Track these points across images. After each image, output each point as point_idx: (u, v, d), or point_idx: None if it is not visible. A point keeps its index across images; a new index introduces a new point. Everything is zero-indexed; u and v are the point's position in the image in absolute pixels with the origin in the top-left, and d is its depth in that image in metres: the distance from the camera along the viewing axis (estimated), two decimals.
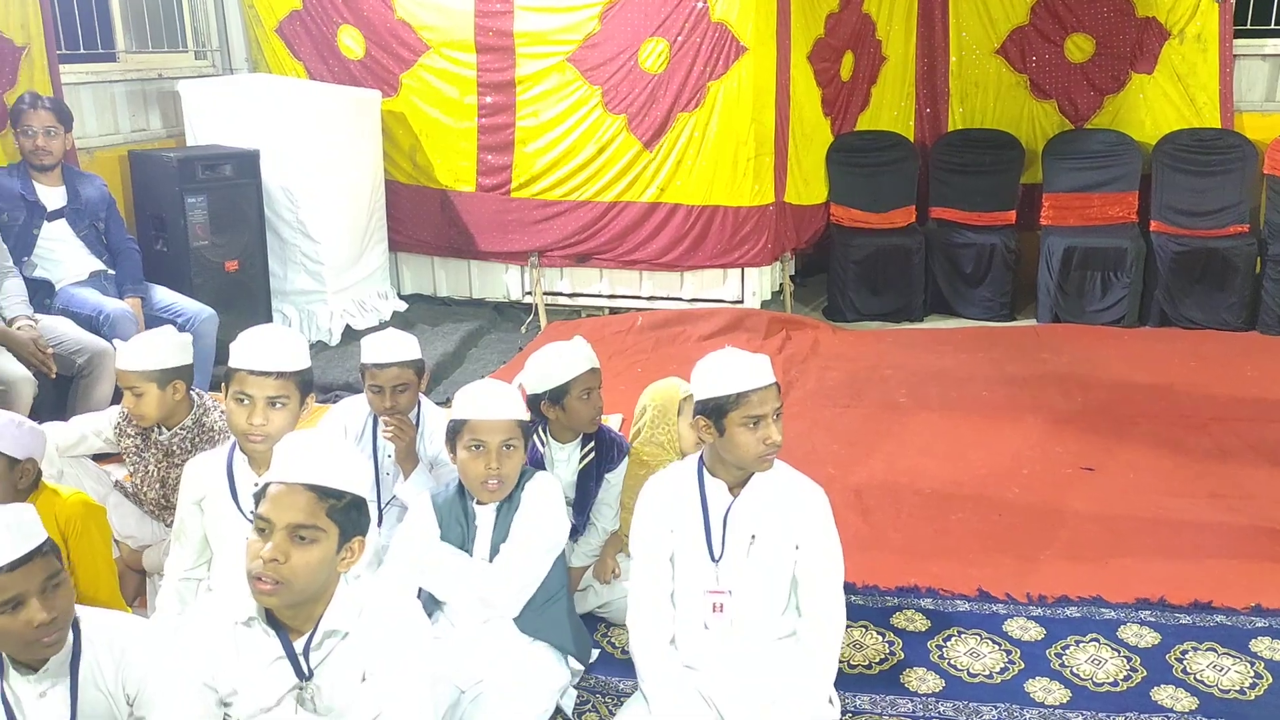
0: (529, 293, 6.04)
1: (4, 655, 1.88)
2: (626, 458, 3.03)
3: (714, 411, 2.24)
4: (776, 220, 5.73)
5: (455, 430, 2.40)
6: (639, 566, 2.39)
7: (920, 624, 2.92)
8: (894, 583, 3.11)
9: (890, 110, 6.49)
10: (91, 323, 3.97)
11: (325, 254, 5.35)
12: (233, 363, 2.47)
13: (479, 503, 2.46)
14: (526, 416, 2.44)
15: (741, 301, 5.84)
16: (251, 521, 1.79)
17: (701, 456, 2.38)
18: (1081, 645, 2.79)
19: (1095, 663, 2.71)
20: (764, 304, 5.92)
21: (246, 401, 2.42)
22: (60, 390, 3.79)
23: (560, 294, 6.07)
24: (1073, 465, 3.94)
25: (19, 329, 3.66)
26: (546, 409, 2.92)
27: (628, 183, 5.71)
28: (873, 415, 4.50)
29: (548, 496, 2.49)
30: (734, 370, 2.25)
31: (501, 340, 5.69)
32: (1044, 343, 5.47)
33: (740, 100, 5.46)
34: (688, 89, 5.51)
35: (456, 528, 2.46)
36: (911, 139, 6.47)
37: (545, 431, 3.01)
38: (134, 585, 2.98)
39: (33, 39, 4.31)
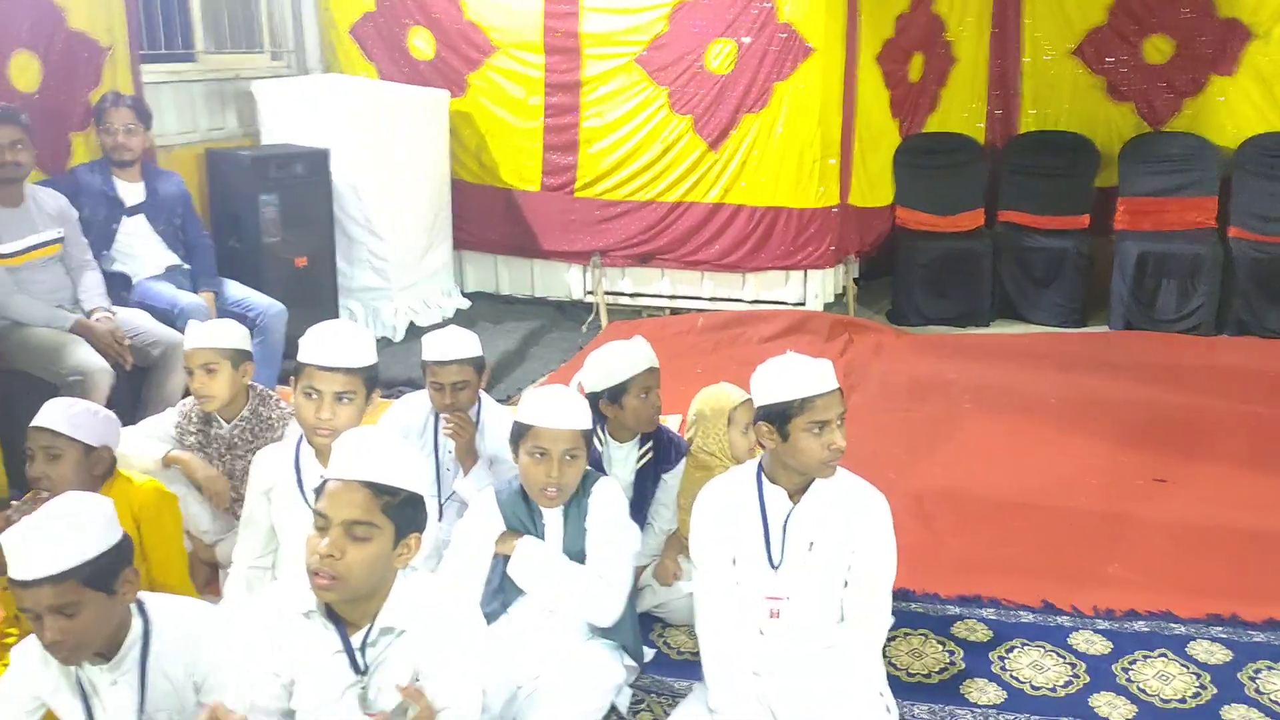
0: (590, 292, 6.06)
1: None
2: (684, 458, 3.02)
3: (777, 417, 2.22)
4: (841, 222, 5.68)
5: (519, 434, 2.41)
6: (704, 575, 2.37)
7: (982, 634, 2.87)
8: (955, 591, 3.06)
9: (960, 112, 6.39)
10: (166, 316, 4.08)
11: (391, 251, 5.43)
12: (302, 357, 2.51)
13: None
14: (590, 425, 2.44)
15: (804, 304, 5.80)
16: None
17: (760, 462, 2.36)
18: (1149, 660, 2.71)
19: (1163, 679, 2.63)
20: (826, 307, 5.87)
21: (315, 396, 2.46)
22: (135, 381, 3.90)
23: (621, 293, 6.09)
24: (1144, 476, 3.83)
25: (97, 321, 3.77)
26: (605, 408, 2.93)
27: (692, 183, 5.70)
28: (935, 421, 4.43)
29: (619, 504, 2.50)
30: (798, 375, 2.24)
31: (562, 339, 5.72)
32: (1116, 350, 5.33)
33: (806, 102, 5.42)
34: (754, 90, 5.48)
35: (521, 526, 2.47)
36: (981, 141, 6.36)
37: (603, 430, 3.02)
38: (204, 575, 3.05)
39: (117, 40, 4.44)
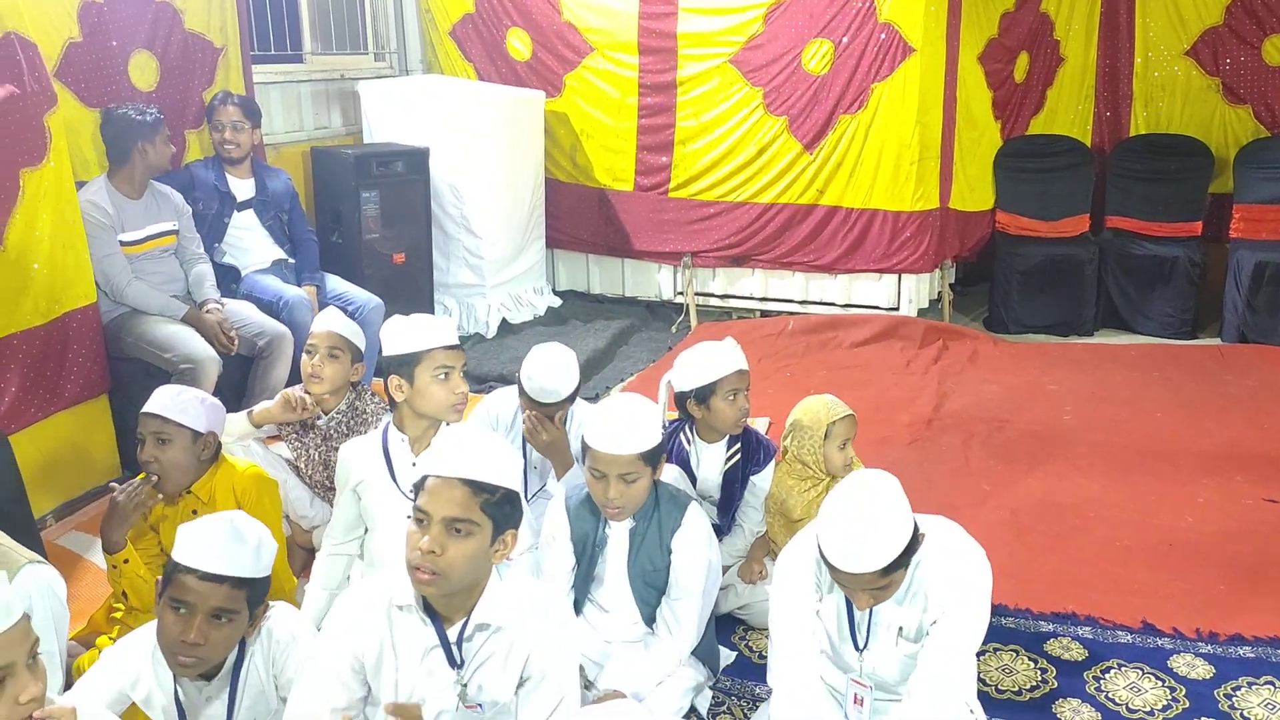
0: (681, 292, 6.07)
1: None
2: (773, 461, 3.00)
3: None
4: (938, 226, 5.56)
5: (583, 451, 2.41)
6: (782, 653, 2.19)
7: (1076, 653, 2.77)
8: (1049, 608, 2.97)
9: (1066, 113, 6.19)
10: (272, 308, 4.22)
11: (486, 249, 5.52)
12: (428, 344, 2.57)
13: None
14: (652, 444, 2.34)
15: (897, 309, 5.70)
16: (412, 500, 1.85)
17: None
18: (1255, 688, 2.58)
19: (1269, 707, 2.51)
20: (921, 312, 5.75)
21: (447, 376, 2.55)
22: (241, 371, 4.04)
23: (712, 294, 6.07)
24: (1254, 497, 3.65)
25: (208, 312, 3.93)
26: (692, 408, 2.93)
27: (786, 185, 5.66)
28: (1033, 432, 4.30)
29: (705, 544, 2.45)
30: None
31: (652, 339, 5.73)
32: (1229, 364, 5.10)
33: (905, 102, 5.32)
34: (851, 91, 5.41)
35: (585, 536, 2.47)
36: (1088, 144, 6.15)
37: (691, 430, 3.01)
38: (301, 559, 3.15)
39: (230, 41, 4.62)
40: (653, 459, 2.36)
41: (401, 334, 2.59)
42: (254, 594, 1.94)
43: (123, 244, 3.85)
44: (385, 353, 2.61)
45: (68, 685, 2.20)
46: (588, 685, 2.42)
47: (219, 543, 1.90)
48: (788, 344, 5.41)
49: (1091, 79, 6.14)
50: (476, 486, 1.79)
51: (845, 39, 5.35)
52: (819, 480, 2.89)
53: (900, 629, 2.12)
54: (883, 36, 5.28)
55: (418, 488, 1.83)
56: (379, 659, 1.89)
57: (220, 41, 4.56)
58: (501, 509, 1.82)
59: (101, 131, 3.89)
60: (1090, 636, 2.84)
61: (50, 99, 3.52)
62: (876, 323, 5.53)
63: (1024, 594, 3.02)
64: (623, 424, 2.33)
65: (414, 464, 2.55)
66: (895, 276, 5.67)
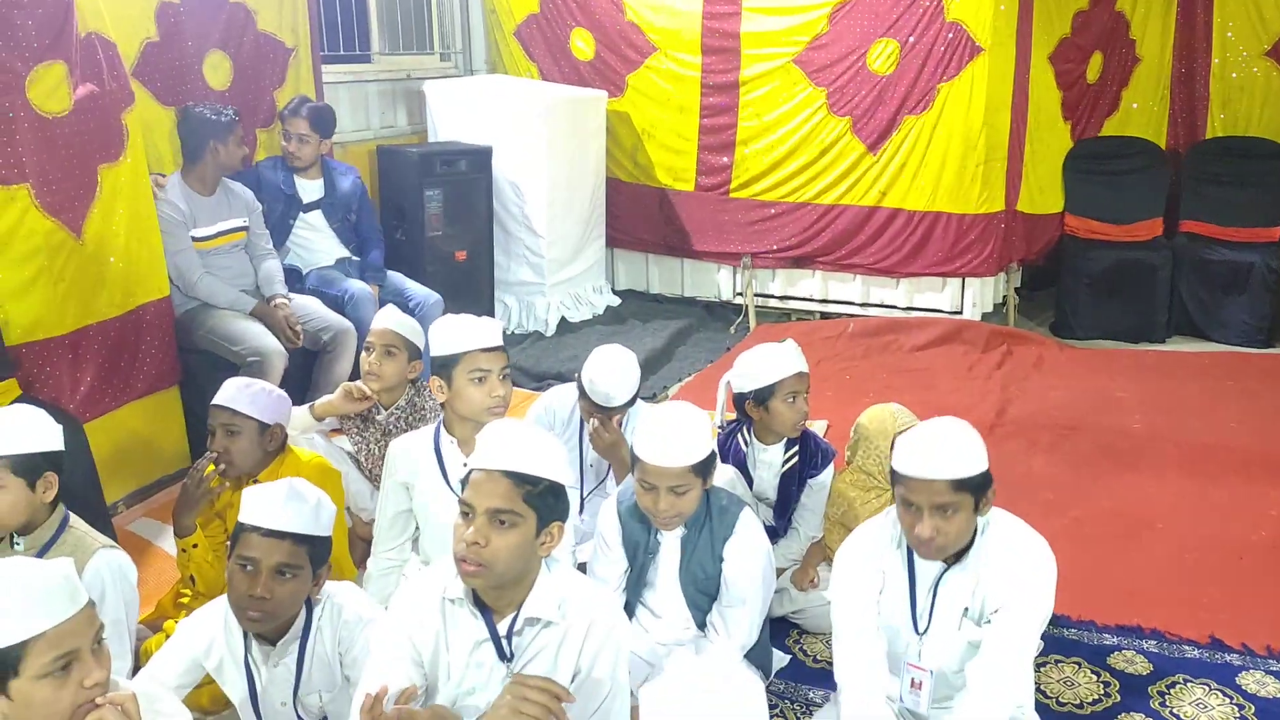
0: (740, 293, 6.04)
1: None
2: (831, 465, 2.97)
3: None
4: (1004, 229, 5.46)
5: (632, 461, 2.39)
6: (847, 643, 2.15)
7: (1141, 667, 2.70)
8: (1113, 620, 2.90)
9: (1141, 115, 6.03)
10: (337, 303, 4.30)
11: (546, 247, 5.56)
12: (466, 346, 2.55)
13: None
14: (702, 456, 2.30)
15: (960, 312, 5.61)
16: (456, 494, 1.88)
17: None
18: None
19: None
20: (985, 316, 5.66)
21: (483, 379, 2.53)
22: (306, 365, 4.12)
23: (771, 296, 6.04)
24: None
25: (275, 307, 4.02)
26: (750, 409, 2.91)
27: (848, 186, 5.61)
28: (1099, 440, 4.20)
29: (760, 552, 2.41)
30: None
31: (710, 339, 5.72)
32: None
33: (972, 103, 5.24)
34: (916, 91, 5.34)
35: (637, 542, 2.47)
36: (1163, 146, 5.99)
37: (749, 431, 3.00)
38: (361, 551, 3.19)
39: (300, 42, 4.71)
40: (703, 470, 2.33)
41: (443, 335, 2.60)
42: (315, 552, 2.03)
43: (195, 239, 3.94)
44: (431, 353, 2.63)
45: (136, 668, 2.26)
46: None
47: (280, 502, 2.01)
48: (847, 346, 5.36)
49: (1167, 80, 5.98)
50: (519, 478, 1.81)
51: (911, 38, 5.28)
52: (884, 490, 2.85)
53: (965, 609, 2.07)
54: (950, 35, 5.20)
55: (464, 482, 1.86)
56: (434, 652, 1.91)
57: (291, 42, 4.65)
58: (545, 500, 1.83)
59: (178, 129, 4.00)
60: (1155, 650, 2.77)
61: (128, 97, 3.63)
62: (938, 326, 5.45)
63: (1087, 605, 2.95)
64: (672, 436, 2.29)
65: (465, 464, 2.57)
66: (959, 280, 5.59)
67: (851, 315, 5.78)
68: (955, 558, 2.07)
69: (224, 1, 4.27)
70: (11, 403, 2.90)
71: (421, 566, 2.68)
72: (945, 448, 2.00)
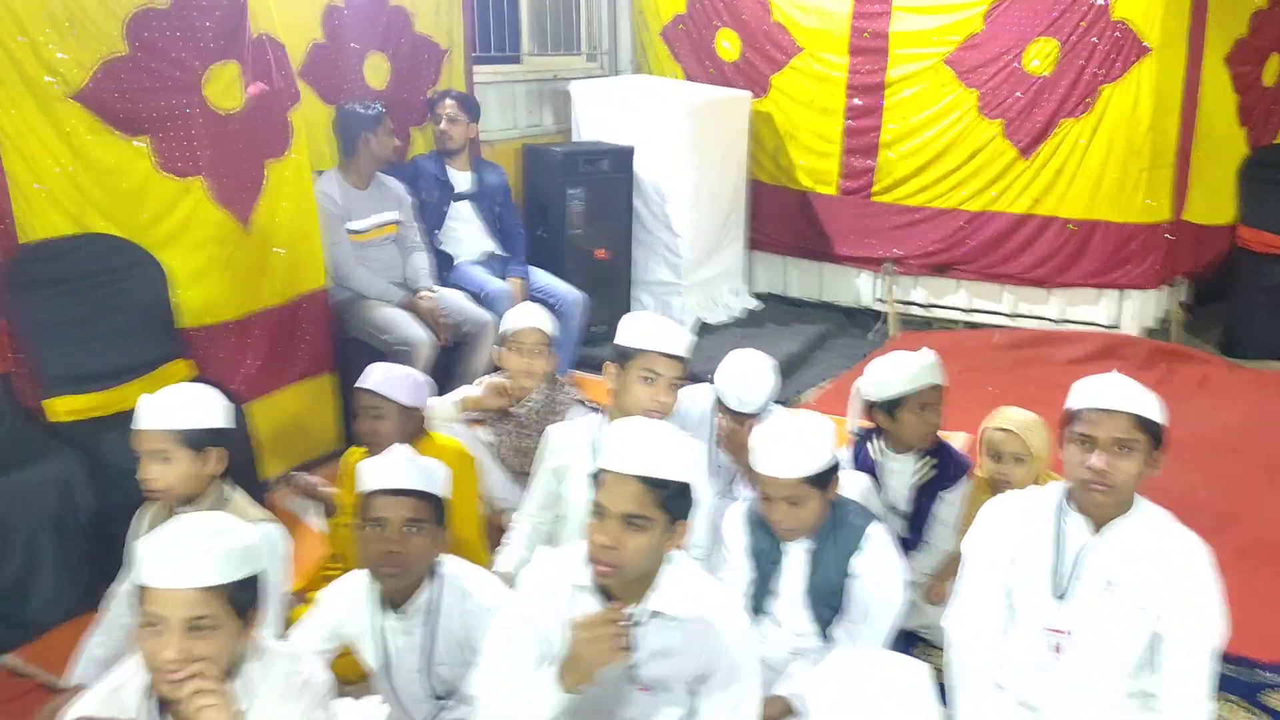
0: (881, 299, 5.91)
1: (382, 596, 2.17)
2: (966, 478, 2.87)
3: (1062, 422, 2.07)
4: (1170, 240, 5.17)
5: (753, 469, 2.37)
6: (969, 596, 2.21)
7: None
8: (1274, 657, 2.71)
9: None
10: (476, 298, 4.42)
11: (685, 248, 5.57)
12: (648, 345, 2.61)
13: None
14: (818, 468, 2.26)
15: (1117, 326, 5.34)
16: None
17: (1067, 487, 2.17)
18: None
19: None
20: (1147, 331, 5.36)
21: (652, 380, 2.59)
22: (446, 356, 4.25)
23: (914, 303, 5.89)
24: None
25: (422, 298, 4.17)
26: (879, 417, 2.85)
27: (998, 191, 5.42)
28: (1268, 465, 3.92)
29: (886, 566, 2.36)
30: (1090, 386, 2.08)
31: (848, 345, 5.62)
32: None
33: (1137, 106, 4.98)
34: (1076, 93, 5.12)
35: (762, 549, 2.44)
36: None
37: (880, 440, 2.93)
38: (494, 540, 3.27)
39: (454, 44, 4.87)
40: (820, 482, 2.29)
41: (632, 327, 2.66)
42: (436, 510, 2.16)
43: (350, 232, 4.13)
44: (615, 340, 2.68)
45: (283, 636, 2.39)
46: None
47: (400, 464, 2.17)
48: (993, 357, 5.17)
49: None
50: (650, 483, 1.83)
51: (1072, 38, 5.06)
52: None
53: (1109, 582, 2.04)
54: (1115, 35, 4.96)
55: (595, 479, 1.88)
56: (558, 636, 1.95)
57: (446, 43, 4.81)
58: (675, 502, 1.86)
59: (333, 126, 4.19)
60: None
61: (294, 96, 3.83)
62: (1093, 340, 5.20)
63: (1244, 640, 2.73)
64: (787, 446, 2.26)
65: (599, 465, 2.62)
66: (1116, 292, 5.32)
67: (998, 326, 5.58)
68: (1104, 529, 2.06)
69: (385, 4, 4.45)
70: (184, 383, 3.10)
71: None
72: (1131, 387, 2.06)
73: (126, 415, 2.37)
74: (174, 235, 3.43)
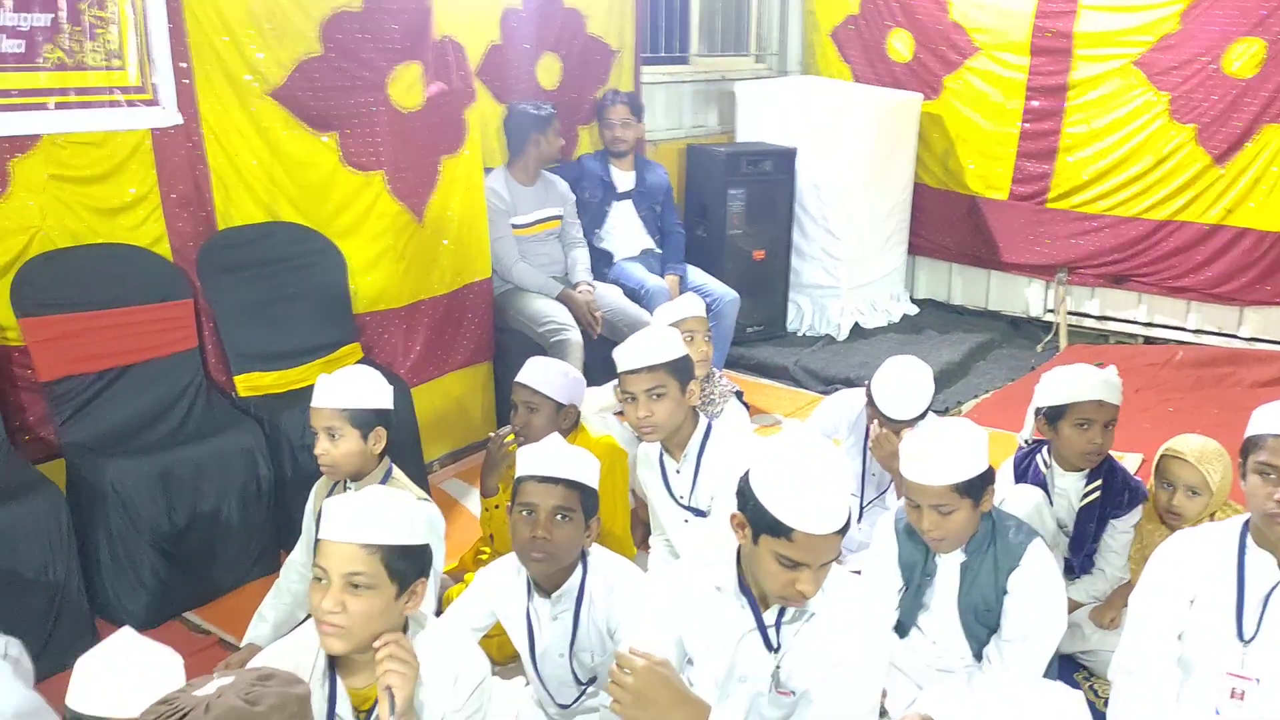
0: (1051, 310, 5.65)
1: (532, 581, 2.24)
2: (1140, 506, 2.72)
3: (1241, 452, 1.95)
4: None
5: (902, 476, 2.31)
6: (1140, 635, 2.07)
7: None
8: None
9: None
10: (634, 295, 4.48)
11: (845, 251, 5.48)
12: (622, 366, 2.67)
13: None
14: (966, 477, 2.17)
15: None
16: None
17: (1247, 522, 2.04)
18: None
19: None
20: None
21: (632, 400, 2.64)
22: (604, 350, 4.31)
23: (1087, 315, 5.60)
24: None
25: (579, 293, 4.26)
26: (1041, 425, 2.74)
27: (1186, 200, 5.10)
28: None
29: (1046, 585, 2.23)
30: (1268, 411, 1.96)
31: (1013, 357, 5.40)
32: None
33: None
34: None
35: (913, 563, 2.38)
36: None
37: (1048, 453, 2.81)
38: (641, 533, 3.32)
39: (625, 45, 4.94)
40: (970, 491, 2.19)
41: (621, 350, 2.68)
42: (586, 500, 2.19)
43: (514, 227, 4.26)
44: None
45: (438, 613, 2.49)
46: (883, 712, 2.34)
47: (553, 453, 2.20)
48: (1174, 376, 4.87)
49: None
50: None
51: None
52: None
53: None
54: None
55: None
56: (699, 639, 1.95)
57: (616, 45, 4.89)
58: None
59: (504, 124, 4.33)
60: None
61: (470, 95, 3.98)
62: None
63: None
64: (936, 452, 2.19)
65: (677, 470, 2.71)
66: None
67: (1180, 342, 5.25)
68: None
69: (560, 6, 4.56)
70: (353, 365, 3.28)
71: (669, 558, 2.81)
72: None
73: (302, 393, 2.53)
74: (354, 225, 3.62)
